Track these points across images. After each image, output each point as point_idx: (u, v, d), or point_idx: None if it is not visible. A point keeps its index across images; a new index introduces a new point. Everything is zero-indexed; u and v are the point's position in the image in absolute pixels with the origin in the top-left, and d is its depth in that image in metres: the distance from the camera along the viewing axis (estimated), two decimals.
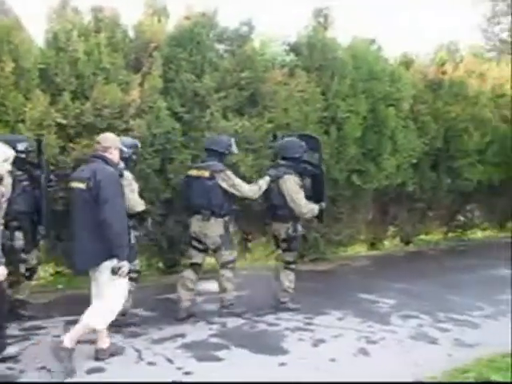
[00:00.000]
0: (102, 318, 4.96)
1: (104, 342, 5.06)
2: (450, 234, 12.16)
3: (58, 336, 5.54)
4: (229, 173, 6.26)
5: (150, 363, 5.01)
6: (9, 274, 4.78)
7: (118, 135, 6.74)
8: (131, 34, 7.73)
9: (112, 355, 5.05)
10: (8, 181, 5.01)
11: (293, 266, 6.70)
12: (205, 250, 6.38)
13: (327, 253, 9.52)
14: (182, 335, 5.73)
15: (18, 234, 5.62)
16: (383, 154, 9.30)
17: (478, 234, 12.82)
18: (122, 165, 5.52)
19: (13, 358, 4.91)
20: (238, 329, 6.04)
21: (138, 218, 5.84)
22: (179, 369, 4.89)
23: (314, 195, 6.65)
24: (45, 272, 7.66)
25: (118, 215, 4.82)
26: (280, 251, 6.78)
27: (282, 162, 6.63)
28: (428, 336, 5.89)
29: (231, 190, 6.21)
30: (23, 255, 5.80)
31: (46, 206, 5.96)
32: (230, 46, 8.46)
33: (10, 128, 6.47)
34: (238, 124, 7.81)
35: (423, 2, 32.47)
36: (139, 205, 5.77)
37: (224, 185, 6.18)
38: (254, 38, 8.54)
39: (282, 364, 5.07)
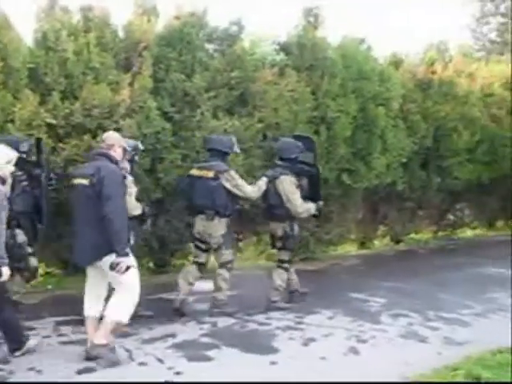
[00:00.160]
0: (125, 310, 4.98)
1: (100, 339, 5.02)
2: (440, 233, 12.21)
3: (48, 337, 5.54)
4: (233, 173, 6.31)
5: (141, 363, 5.00)
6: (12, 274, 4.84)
7: None
8: (121, 33, 7.70)
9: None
10: (8, 181, 5.07)
11: (286, 266, 6.73)
12: (207, 250, 6.43)
13: (317, 252, 9.54)
14: (173, 335, 5.71)
15: (19, 231, 5.60)
16: (373, 154, 9.34)
17: (468, 233, 12.89)
18: (127, 166, 5.55)
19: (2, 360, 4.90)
20: (229, 328, 6.04)
21: (138, 219, 5.87)
22: (170, 369, 4.88)
23: (311, 195, 6.75)
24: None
25: (120, 212, 4.87)
26: (275, 250, 6.85)
27: (279, 163, 6.71)
28: (418, 334, 5.91)
29: (234, 190, 6.27)
30: (29, 249, 5.77)
31: (46, 206, 5.96)
32: (220, 45, 8.46)
33: None
34: (228, 124, 7.80)
35: (413, 1, 32.62)
36: (136, 208, 5.79)
37: (228, 185, 6.24)
38: (244, 38, 8.55)
39: (273, 363, 5.07)
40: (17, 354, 4.97)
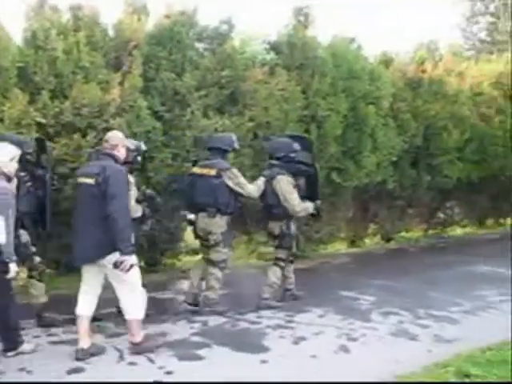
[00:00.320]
0: (139, 306, 5.15)
1: (85, 342, 5.05)
2: (431, 231, 12.26)
3: (38, 337, 5.52)
4: (235, 171, 6.37)
5: (132, 363, 4.99)
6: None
7: (98, 134, 6.79)
8: (111, 32, 7.69)
9: (93, 355, 5.03)
10: (14, 180, 5.12)
11: (282, 264, 6.78)
12: (208, 246, 6.49)
13: (307, 251, 9.54)
14: (164, 334, 5.70)
15: (23, 231, 5.59)
16: (363, 152, 9.36)
17: (458, 231, 12.95)
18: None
19: None
20: (220, 327, 6.04)
21: (138, 220, 5.87)
22: (161, 368, 4.87)
23: (309, 194, 6.82)
24: (25, 273, 7.58)
25: (124, 211, 4.93)
26: (272, 249, 6.94)
27: (275, 163, 6.77)
28: (408, 332, 5.93)
29: (236, 188, 6.32)
30: (33, 248, 5.77)
31: (50, 207, 5.97)
32: (210, 44, 8.46)
33: None
34: (218, 122, 7.81)
35: (403, 1, 32.70)
36: (136, 211, 5.81)
37: (230, 183, 6.29)
38: (234, 37, 8.56)
39: (264, 362, 5.07)
40: (9, 354, 4.96)
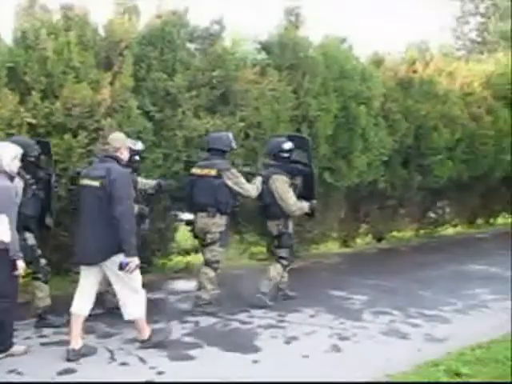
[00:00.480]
0: (142, 307, 5.26)
1: (77, 343, 5.04)
2: (422, 231, 12.28)
3: (29, 338, 5.50)
4: (234, 171, 6.45)
5: (123, 363, 4.99)
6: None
7: (89, 135, 6.77)
8: (101, 32, 7.64)
9: (84, 356, 5.02)
10: (20, 185, 5.18)
11: (285, 262, 6.85)
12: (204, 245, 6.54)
13: (299, 250, 9.51)
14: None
15: (28, 234, 5.60)
16: (354, 152, 9.36)
17: (449, 231, 12.99)
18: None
19: None
20: (211, 327, 6.04)
21: (137, 220, 5.86)
22: (152, 368, 4.88)
23: (305, 193, 6.89)
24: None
25: (129, 213, 5.02)
26: (274, 249, 7.00)
27: (272, 162, 6.87)
28: (399, 331, 5.96)
29: (235, 188, 6.39)
30: (39, 251, 5.78)
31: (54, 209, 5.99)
32: (201, 44, 8.43)
33: None
34: (209, 123, 7.78)
35: (394, 1, 32.80)
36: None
37: (230, 183, 6.37)
38: (225, 37, 8.52)
39: (255, 362, 5.09)
40: None
